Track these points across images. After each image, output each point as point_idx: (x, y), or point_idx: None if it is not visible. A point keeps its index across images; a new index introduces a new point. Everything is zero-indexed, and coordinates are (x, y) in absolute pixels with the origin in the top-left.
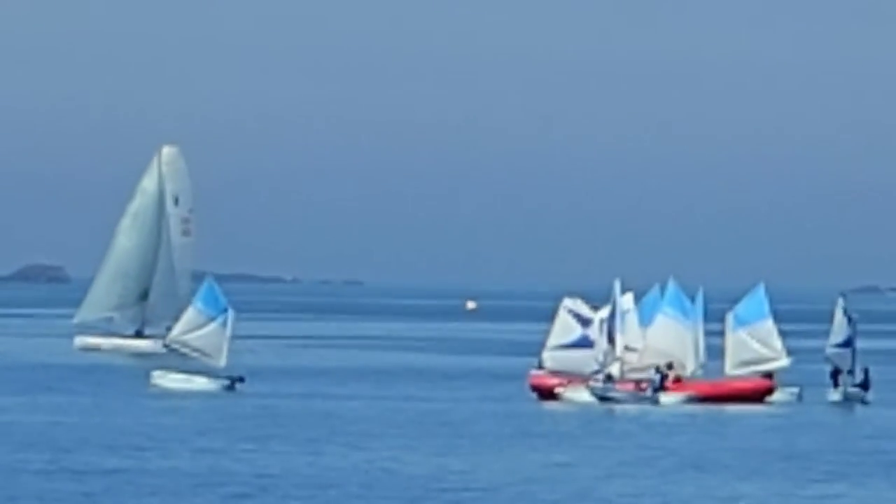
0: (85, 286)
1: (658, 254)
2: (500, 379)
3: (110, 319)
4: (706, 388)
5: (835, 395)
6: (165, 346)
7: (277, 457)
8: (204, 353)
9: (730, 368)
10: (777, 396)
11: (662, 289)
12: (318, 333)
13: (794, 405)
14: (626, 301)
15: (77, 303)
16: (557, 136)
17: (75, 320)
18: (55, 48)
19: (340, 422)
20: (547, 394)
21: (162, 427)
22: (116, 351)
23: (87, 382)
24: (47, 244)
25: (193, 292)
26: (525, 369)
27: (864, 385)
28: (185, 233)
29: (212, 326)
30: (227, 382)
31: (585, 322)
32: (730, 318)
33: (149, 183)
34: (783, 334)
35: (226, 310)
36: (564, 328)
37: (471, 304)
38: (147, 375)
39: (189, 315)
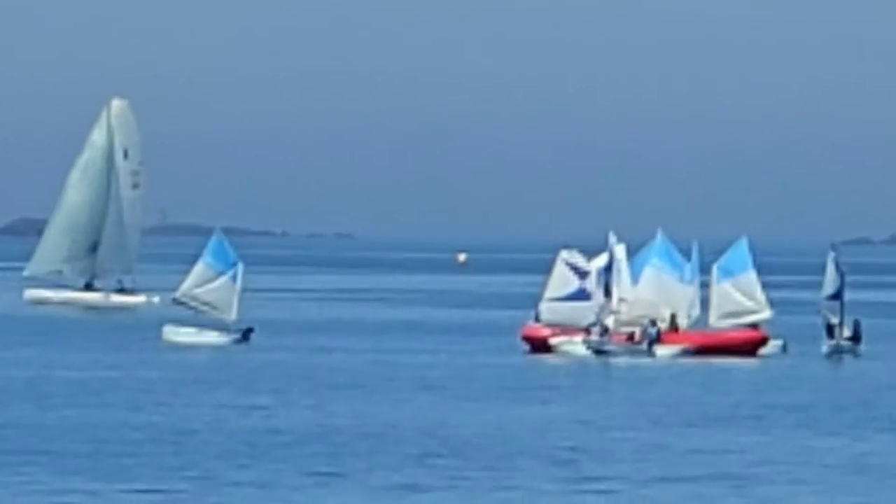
0: None
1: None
2: (491, 332)
3: (60, 272)
4: (700, 339)
5: (825, 348)
6: (175, 300)
7: (278, 410)
8: (213, 307)
9: (714, 320)
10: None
11: (651, 241)
12: (308, 287)
13: (787, 357)
14: (618, 252)
15: None
16: (549, 89)
17: (25, 273)
18: (6, 4)
19: (334, 375)
20: (539, 345)
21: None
22: (66, 304)
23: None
24: (36, 199)
25: (144, 245)
26: (517, 322)
27: (855, 338)
28: (135, 186)
29: (221, 280)
30: (237, 335)
31: (582, 274)
32: (714, 270)
33: (98, 136)
34: (766, 286)
35: (235, 264)
36: (561, 280)
37: (461, 257)
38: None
39: (198, 269)
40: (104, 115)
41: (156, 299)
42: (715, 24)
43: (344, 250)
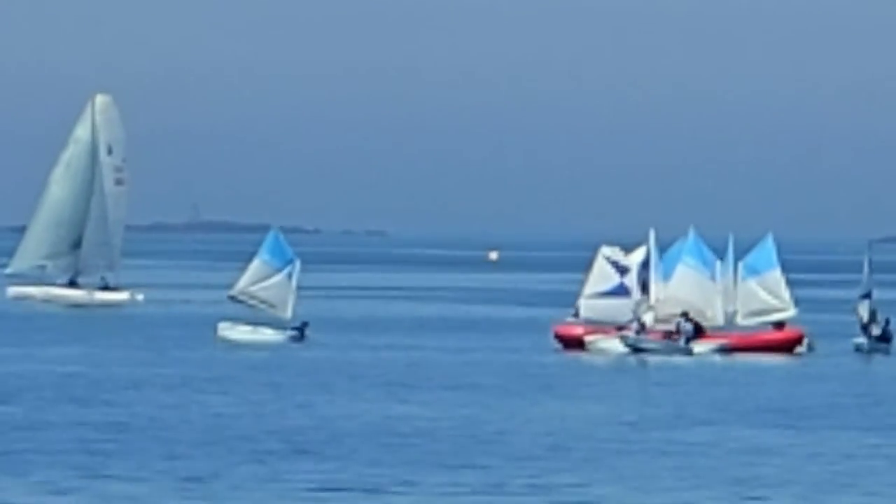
0: None
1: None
2: (524, 329)
3: (43, 268)
4: (737, 337)
5: (853, 346)
6: (231, 297)
7: (321, 408)
8: (270, 305)
9: (740, 318)
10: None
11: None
12: (341, 284)
13: (817, 356)
14: (641, 253)
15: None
16: (580, 88)
17: (8, 270)
18: None
19: (371, 373)
20: (572, 342)
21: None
22: (49, 301)
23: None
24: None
25: (127, 241)
26: (550, 320)
27: (885, 337)
28: (119, 182)
29: (278, 278)
30: (294, 333)
31: (623, 270)
32: (740, 267)
33: (82, 132)
34: (797, 284)
35: (292, 261)
36: (602, 276)
37: (493, 255)
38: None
39: (255, 266)
40: (88, 110)
41: (140, 297)
42: (729, 19)
43: (376, 247)
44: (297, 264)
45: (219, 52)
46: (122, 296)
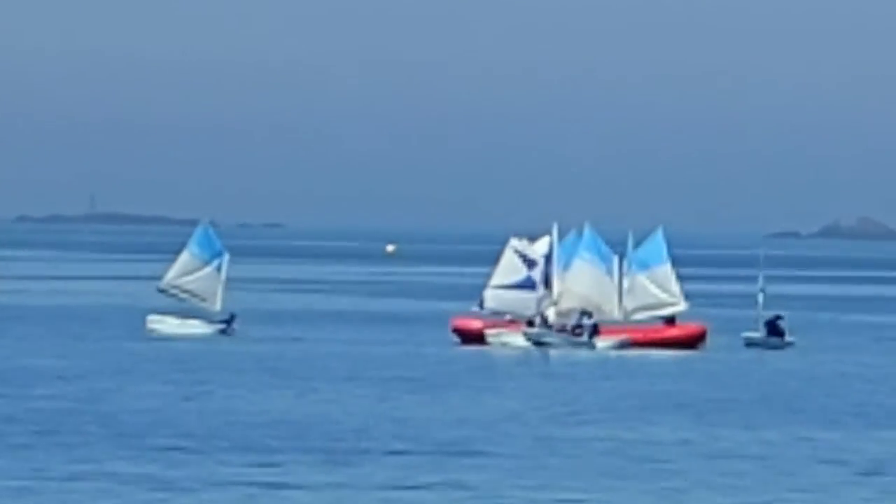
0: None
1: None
2: (422, 322)
3: None
4: (640, 333)
5: (744, 340)
6: (159, 289)
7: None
8: (199, 297)
9: (628, 313)
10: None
11: (579, 233)
12: (237, 276)
13: (713, 350)
14: (543, 244)
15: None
16: (479, 78)
17: None
18: None
19: (267, 365)
20: (470, 337)
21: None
22: None
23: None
24: None
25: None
26: (448, 313)
27: (777, 331)
28: None
29: (206, 270)
30: (221, 325)
31: (531, 264)
32: (629, 262)
33: None
34: (692, 279)
35: (221, 253)
36: (510, 268)
37: (390, 248)
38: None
39: (183, 259)
40: None
41: None
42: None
43: (273, 239)
44: (227, 257)
45: (113, 41)
46: None
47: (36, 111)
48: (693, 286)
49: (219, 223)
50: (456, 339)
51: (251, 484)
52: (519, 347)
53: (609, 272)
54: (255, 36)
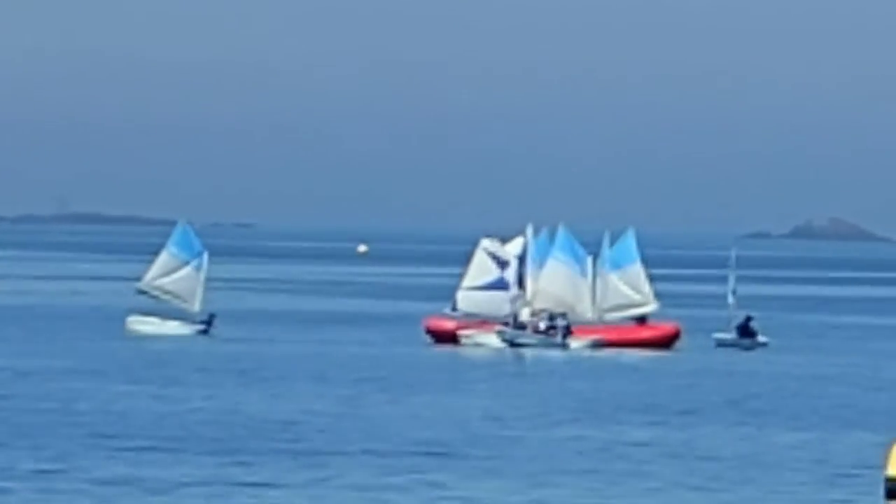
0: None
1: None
2: (394, 322)
3: None
4: (614, 333)
5: (714, 341)
6: (139, 290)
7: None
8: (179, 298)
9: (600, 313)
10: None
11: (551, 234)
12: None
13: (687, 351)
14: (516, 245)
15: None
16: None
17: None
18: None
19: (239, 365)
20: (443, 337)
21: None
22: None
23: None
24: None
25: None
26: (420, 313)
27: (748, 332)
28: None
29: (186, 270)
30: (200, 326)
31: (503, 264)
32: (601, 262)
33: None
34: (665, 279)
35: (200, 253)
36: (481, 269)
37: (362, 248)
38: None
39: (162, 259)
40: None
41: None
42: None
43: (245, 239)
44: (206, 257)
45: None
46: None
47: (35, 111)
48: (665, 286)
49: (194, 223)
50: (429, 339)
51: (225, 484)
52: (492, 348)
53: (583, 273)
54: (255, 36)
